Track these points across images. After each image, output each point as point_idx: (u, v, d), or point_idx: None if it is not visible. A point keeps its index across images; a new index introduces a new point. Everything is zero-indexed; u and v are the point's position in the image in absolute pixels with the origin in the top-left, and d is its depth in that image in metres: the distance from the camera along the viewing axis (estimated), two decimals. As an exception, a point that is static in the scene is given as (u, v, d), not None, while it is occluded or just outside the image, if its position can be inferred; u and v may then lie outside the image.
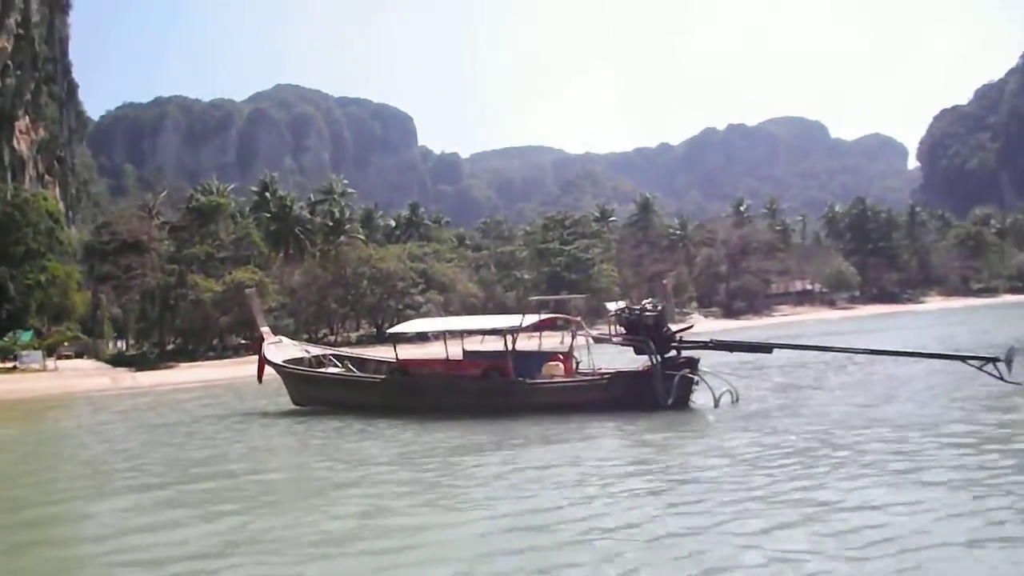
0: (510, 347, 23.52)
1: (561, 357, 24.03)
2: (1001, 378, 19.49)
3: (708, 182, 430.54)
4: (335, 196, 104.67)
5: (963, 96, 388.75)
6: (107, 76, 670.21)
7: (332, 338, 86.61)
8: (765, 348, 23.06)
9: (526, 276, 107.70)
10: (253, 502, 14.16)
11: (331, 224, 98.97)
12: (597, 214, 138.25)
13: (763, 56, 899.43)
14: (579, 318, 27.01)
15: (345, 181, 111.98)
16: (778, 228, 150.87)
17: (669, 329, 21.93)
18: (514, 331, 23.46)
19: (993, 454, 13.11)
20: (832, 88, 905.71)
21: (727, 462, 14.02)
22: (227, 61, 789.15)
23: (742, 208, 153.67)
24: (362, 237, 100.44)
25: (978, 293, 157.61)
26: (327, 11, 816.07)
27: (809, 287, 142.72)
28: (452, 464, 16.00)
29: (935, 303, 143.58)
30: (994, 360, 19.96)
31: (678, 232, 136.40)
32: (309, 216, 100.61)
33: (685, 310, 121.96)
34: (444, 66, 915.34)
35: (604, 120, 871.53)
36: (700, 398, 21.42)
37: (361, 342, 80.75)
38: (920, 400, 19.93)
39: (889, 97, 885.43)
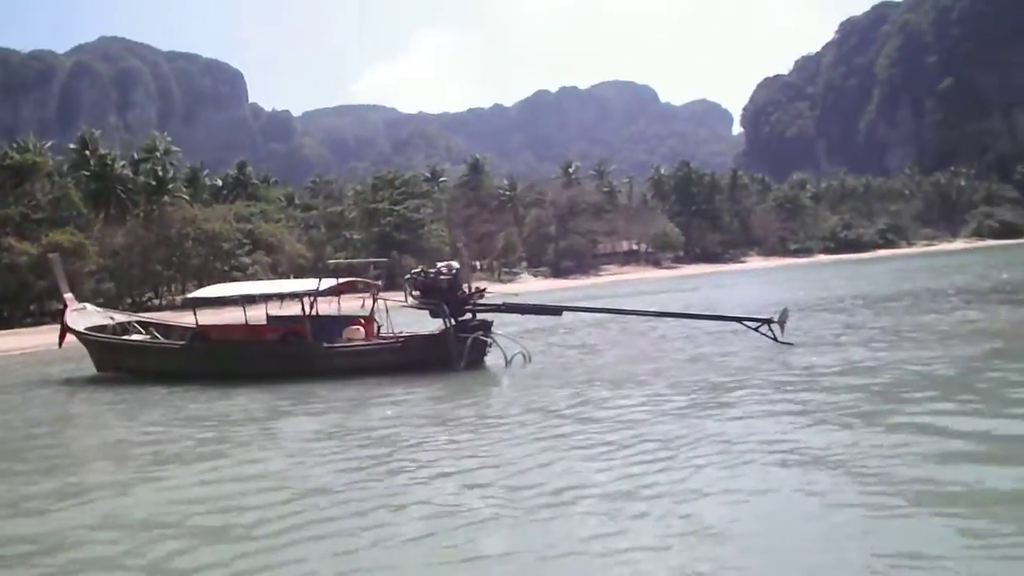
0: (307, 311, 23.86)
1: (362, 321, 24.40)
2: (774, 339, 20.96)
3: (541, 143, 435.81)
4: (158, 154, 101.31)
5: (785, 66, 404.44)
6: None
7: (157, 301, 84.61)
8: (555, 311, 24.07)
9: (355, 236, 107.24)
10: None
11: (154, 184, 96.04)
12: (428, 174, 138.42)
13: (596, 20, 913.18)
14: (380, 282, 27.41)
15: (169, 138, 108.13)
16: (606, 189, 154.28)
17: (464, 292, 22.59)
18: (311, 295, 23.78)
19: (747, 407, 14.11)
20: (662, 54, 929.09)
21: (503, 418, 14.63)
22: (47, 10, 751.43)
23: (571, 170, 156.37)
24: (186, 197, 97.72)
25: (795, 253, 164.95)
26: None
27: (635, 247, 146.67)
28: (224, 430, 15.96)
29: (755, 263, 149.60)
30: (768, 321, 21.47)
31: (507, 193, 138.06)
32: (132, 175, 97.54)
33: (515, 270, 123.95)
34: (277, 22, 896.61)
35: (438, 80, 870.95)
36: (495, 359, 22.15)
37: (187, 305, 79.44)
38: (690, 358, 20.99)
39: (717, 65, 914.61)
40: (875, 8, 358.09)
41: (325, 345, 22.72)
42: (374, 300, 24.74)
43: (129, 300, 76.62)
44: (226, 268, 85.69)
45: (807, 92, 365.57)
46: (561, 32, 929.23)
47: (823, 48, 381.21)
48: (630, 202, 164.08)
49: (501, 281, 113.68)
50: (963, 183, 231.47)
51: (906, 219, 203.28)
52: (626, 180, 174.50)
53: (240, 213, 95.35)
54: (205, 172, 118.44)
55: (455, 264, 23.26)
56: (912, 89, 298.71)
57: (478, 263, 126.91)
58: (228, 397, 20.24)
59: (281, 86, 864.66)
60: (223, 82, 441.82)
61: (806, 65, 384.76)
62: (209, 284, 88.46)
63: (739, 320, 23.03)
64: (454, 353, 21.02)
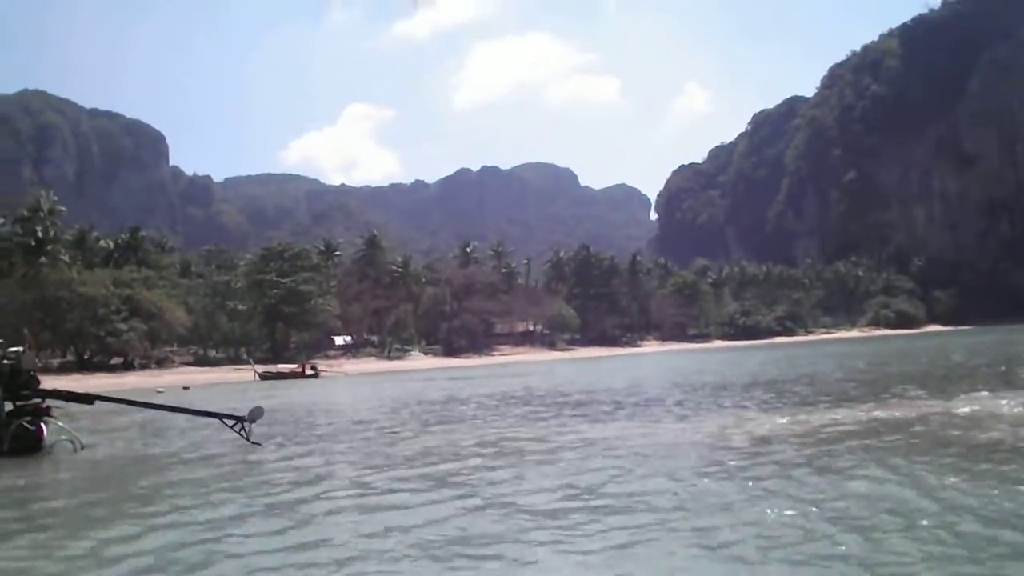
0: None
1: None
2: (246, 438, 21.09)
3: (461, 221, 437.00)
4: (41, 214, 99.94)
5: (700, 155, 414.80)
6: None
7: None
8: (88, 399, 23.64)
9: (240, 307, 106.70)
10: None
11: (33, 244, 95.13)
12: (322, 247, 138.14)
13: (522, 105, 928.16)
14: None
15: (55, 198, 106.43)
16: (504, 270, 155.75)
17: (27, 375, 22.15)
18: None
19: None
20: (584, 139, 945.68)
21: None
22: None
23: (468, 249, 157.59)
24: (66, 259, 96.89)
25: (693, 339, 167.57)
26: (81, 15, 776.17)
27: (531, 328, 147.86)
28: None
29: (651, 347, 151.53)
30: (242, 419, 21.67)
31: (399, 270, 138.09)
32: (19, 232, 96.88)
33: (406, 347, 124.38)
34: (203, 86, 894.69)
35: (364, 153, 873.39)
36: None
37: (64, 369, 79.10)
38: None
39: (637, 151, 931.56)
40: (786, 102, 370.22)
41: None
42: None
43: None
44: (101, 333, 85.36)
45: (719, 180, 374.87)
46: (487, 115, 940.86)
47: (736, 138, 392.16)
48: (528, 283, 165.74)
49: (389, 358, 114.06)
50: (861, 273, 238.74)
51: (806, 307, 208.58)
52: (525, 261, 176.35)
53: (120, 279, 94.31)
54: (94, 235, 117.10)
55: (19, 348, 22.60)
56: (818, 181, 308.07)
57: (375, 338, 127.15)
58: None
59: (205, 150, 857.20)
60: (144, 143, 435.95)
61: (719, 154, 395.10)
62: (84, 348, 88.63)
63: (220, 417, 22.98)
64: (3, 437, 20.52)
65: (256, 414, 21.13)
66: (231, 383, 70.44)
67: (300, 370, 76.98)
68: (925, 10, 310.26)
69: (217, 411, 24.70)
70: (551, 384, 46.17)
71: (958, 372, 38.01)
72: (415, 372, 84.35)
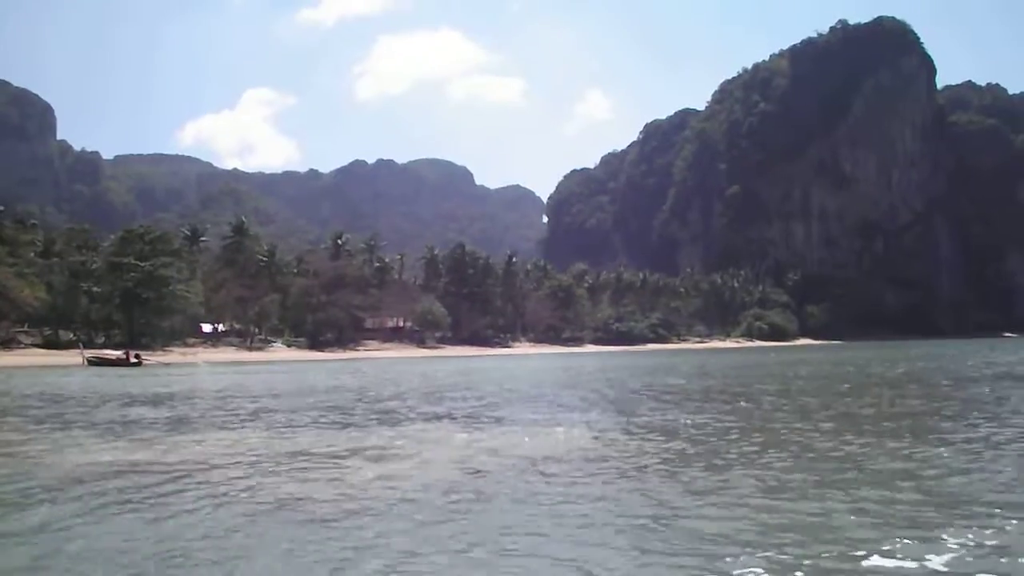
0: None
1: None
2: None
3: (353, 213, 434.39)
4: None
5: (595, 161, 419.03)
6: None
7: None
8: None
9: (96, 289, 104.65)
10: None
11: None
12: (188, 232, 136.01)
13: (422, 101, 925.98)
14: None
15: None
16: (376, 264, 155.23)
17: None
18: None
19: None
20: (483, 138, 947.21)
21: None
22: None
23: (341, 241, 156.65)
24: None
25: (566, 342, 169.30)
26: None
27: (401, 324, 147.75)
28: None
29: (522, 349, 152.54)
30: None
31: (264, 259, 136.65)
32: None
33: (270, 339, 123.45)
34: (99, 60, 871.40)
35: (260, 139, 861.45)
36: None
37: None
38: None
39: (535, 153, 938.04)
40: (678, 113, 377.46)
41: None
42: None
43: None
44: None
45: (609, 187, 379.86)
46: (388, 108, 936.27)
47: (628, 146, 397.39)
48: (402, 279, 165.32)
49: (250, 349, 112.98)
50: (737, 284, 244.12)
51: (683, 315, 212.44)
52: (398, 256, 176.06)
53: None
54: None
55: None
56: (703, 193, 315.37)
57: (236, 326, 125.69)
58: None
59: (96, 125, 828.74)
60: (30, 114, 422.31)
61: (610, 161, 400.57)
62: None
63: None
64: None
65: None
66: (54, 367, 69.66)
67: (125, 357, 76.59)
68: (814, 34, 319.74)
69: None
70: (316, 384, 45.70)
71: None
72: (259, 364, 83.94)
